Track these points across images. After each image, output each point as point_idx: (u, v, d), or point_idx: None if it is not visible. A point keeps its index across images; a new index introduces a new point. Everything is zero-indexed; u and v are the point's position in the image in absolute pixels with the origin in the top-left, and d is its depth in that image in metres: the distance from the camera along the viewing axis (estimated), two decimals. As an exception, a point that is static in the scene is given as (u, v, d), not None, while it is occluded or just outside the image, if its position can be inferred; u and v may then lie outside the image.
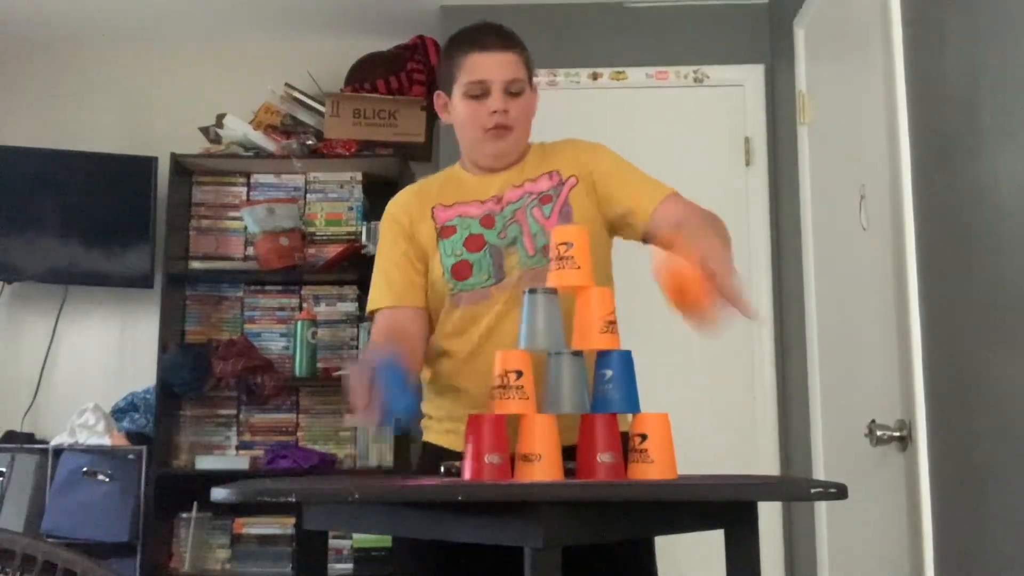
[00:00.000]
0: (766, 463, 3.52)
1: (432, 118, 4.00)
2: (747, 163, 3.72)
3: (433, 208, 2.08)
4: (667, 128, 3.77)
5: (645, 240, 2.08)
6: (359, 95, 3.93)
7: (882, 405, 2.42)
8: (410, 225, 2.09)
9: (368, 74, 3.98)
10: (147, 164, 4.04)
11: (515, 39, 2.08)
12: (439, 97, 2.12)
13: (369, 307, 2.11)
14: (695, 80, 3.79)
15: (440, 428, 2.10)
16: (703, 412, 3.50)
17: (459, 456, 1.76)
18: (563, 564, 1.46)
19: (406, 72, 3.94)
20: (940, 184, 2.16)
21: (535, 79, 2.16)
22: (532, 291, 1.72)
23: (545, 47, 3.85)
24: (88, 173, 4.01)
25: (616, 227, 2.11)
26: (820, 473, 3.01)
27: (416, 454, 2.33)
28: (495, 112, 2.02)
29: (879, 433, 2.32)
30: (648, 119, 3.78)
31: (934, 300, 2.19)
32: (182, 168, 4.01)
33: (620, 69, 3.81)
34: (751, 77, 3.77)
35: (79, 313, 4.13)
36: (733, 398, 3.57)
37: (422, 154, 4.10)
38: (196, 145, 4.04)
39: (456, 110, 2.07)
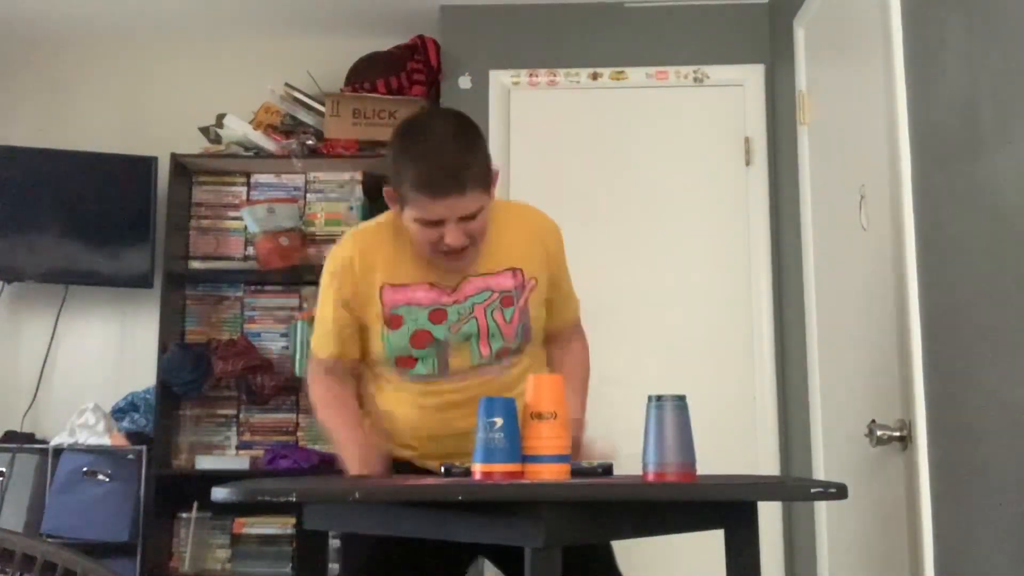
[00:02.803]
0: (766, 463, 3.51)
1: (432, 118, 4.00)
2: (747, 163, 3.72)
3: (382, 288, 2.03)
4: (667, 128, 3.77)
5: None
6: (359, 95, 3.93)
7: (882, 405, 2.42)
8: (352, 291, 2.06)
9: (368, 74, 3.98)
10: (147, 164, 4.03)
11: (469, 171, 1.89)
12: (388, 192, 2.02)
13: (314, 350, 2.18)
14: (695, 80, 3.78)
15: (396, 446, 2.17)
16: (703, 412, 3.48)
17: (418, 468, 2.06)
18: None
19: (406, 72, 3.94)
20: (940, 184, 2.16)
21: (493, 177, 2.00)
22: (659, 398, 1.70)
23: (545, 47, 3.85)
24: (88, 173, 4.01)
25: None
26: (820, 473, 3.01)
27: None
28: (452, 244, 1.94)
29: (879, 433, 2.32)
30: (648, 119, 3.78)
31: (934, 300, 2.19)
32: (182, 168, 4.01)
33: (620, 69, 3.80)
34: (751, 77, 3.77)
35: (79, 313, 4.13)
36: (733, 398, 3.57)
37: (422, 154, 4.09)
38: (196, 145, 4.04)
39: (407, 224, 1.98)
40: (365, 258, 2.07)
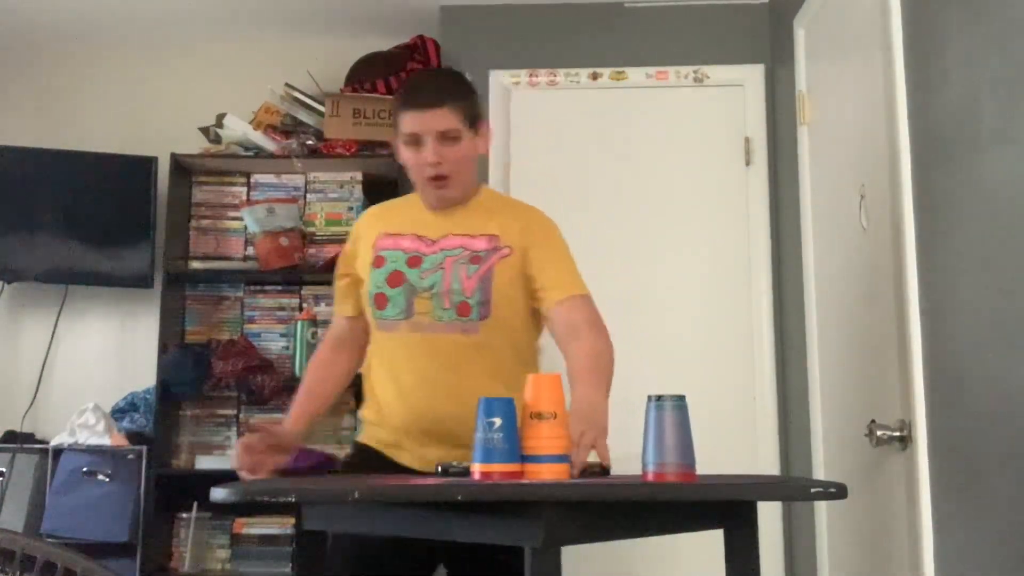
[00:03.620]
0: (766, 463, 3.51)
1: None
2: (747, 163, 3.72)
3: (378, 235, 2.32)
4: (667, 128, 3.77)
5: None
6: (359, 95, 3.93)
7: (882, 405, 2.42)
8: (353, 249, 2.37)
9: (368, 74, 3.98)
10: (147, 164, 4.04)
11: (450, 93, 2.21)
12: (395, 143, 2.30)
13: (335, 310, 2.48)
14: (695, 80, 3.78)
15: (370, 432, 2.33)
16: (703, 412, 3.49)
17: (386, 461, 2.19)
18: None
19: (406, 72, 3.93)
20: (940, 184, 2.16)
21: (481, 123, 2.29)
22: (659, 398, 1.71)
23: (545, 47, 3.85)
24: (88, 173, 4.01)
25: (533, 299, 2.26)
26: (820, 473, 3.01)
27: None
28: (430, 163, 2.20)
29: (879, 433, 2.32)
30: (648, 119, 3.78)
31: (934, 300, 2.19)
32: (182, 168, 4.01)
33: (620, 69, 3.80)
34: (751, 77, 3.77)
35: (79, 313, 4.13)
36: (733, 398, 3.57)
37: (422, 154, 4.10)
38: (196, 145, 4.04)
39: (402, 157, 2.27)
40: (373, 218, 2.40)
